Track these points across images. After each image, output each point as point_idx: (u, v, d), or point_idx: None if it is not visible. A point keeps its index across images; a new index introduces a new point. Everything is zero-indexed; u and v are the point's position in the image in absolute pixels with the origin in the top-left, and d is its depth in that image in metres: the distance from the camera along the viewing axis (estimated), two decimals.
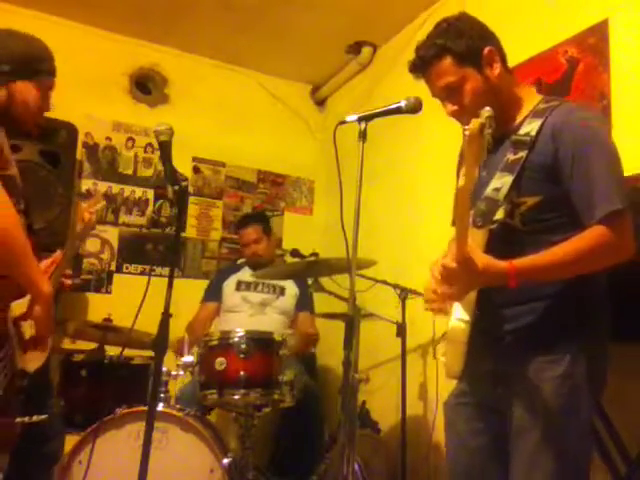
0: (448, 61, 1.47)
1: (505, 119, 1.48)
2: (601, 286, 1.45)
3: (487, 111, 1.18)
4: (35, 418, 1.64)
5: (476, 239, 1.37)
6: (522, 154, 1.41)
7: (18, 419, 1.62)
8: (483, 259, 1.29)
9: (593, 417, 1.75)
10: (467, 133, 1.18)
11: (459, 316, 1.45)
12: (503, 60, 1.53)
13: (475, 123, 1.17)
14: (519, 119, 1.49)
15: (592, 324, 1.42)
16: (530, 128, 1.43)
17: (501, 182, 1.42)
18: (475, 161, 1.19)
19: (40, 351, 1.78)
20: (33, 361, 1.76)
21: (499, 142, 1.47)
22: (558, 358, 1.37)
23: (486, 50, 1.48)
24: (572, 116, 1.41)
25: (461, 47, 1.46)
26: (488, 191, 1.44)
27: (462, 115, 1.48)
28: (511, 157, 1.43)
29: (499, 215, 1.42)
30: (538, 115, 1.44)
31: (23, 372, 1.70)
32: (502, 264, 1.30)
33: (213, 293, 3.31)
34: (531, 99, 1.52)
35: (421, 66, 1.52)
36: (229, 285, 3.28)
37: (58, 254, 1.94)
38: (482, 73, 1.48)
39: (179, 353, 2.51)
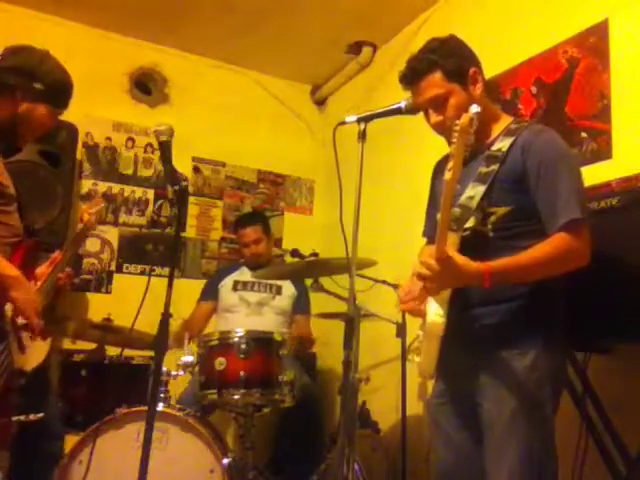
0: (438, 75, 1.59)
1: (480, 136, 1.58)
2: (560, 289, 1.55)
3: (474, 108, 1.31)
4: (32, 417, 1.64)
5: (451, 242, 1.48)
6: (494, 167, 1.54)
7: (14, 418, 1.62)
8: (460, 259, 1.40)
9: (591, 414, 1.77)
10: (458, 127, 1.28)
11: (435, 311, 1.52)
12: (483, 81, 1.66)
13: (465, 118, 1.28)
14: (492, 136, 1.62)
15: (554, 324, 1.53)
16: (502, 145, 1.57)
17: (474, 192, 1.55)
18: (461, 154, 1.29)
19: (34, 341, 1.76)
20: (31, 360, 1.76)
21: (473, 157, 1.60)
22: (524, 352, 1.48)
23: (472, 71, 1.62)
24: (540, 135, 1.55)
25: (450, 65, 1.59)
26: (463, 199, 1.56)
27: (443, 127, 1.60)
28: (484, 170, 1.56)
29: (471, 222, 1.54)
30: (510, 134, 1.58)
31: (21, 371, 1.70)
32: (478, 265, 1.41)
33: (209, 292, 3.31)
34: (503, 120, 1.66)
35: (411, 77, 1.64)
36: (225, 285, 3.27)
37: (57, 254, 1.94)
38: (466, 90, 1.61)
39: (178, 344, 2.52)
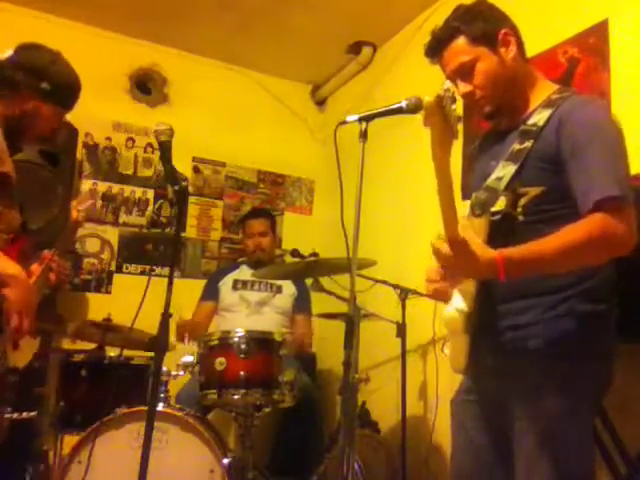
0: (462, 41, 1.46)
1: (516, 107, 1.48)
2: (609, 280, 1.40)
3: (446, 84, 1.16)
4: (25, 415, 1.64)
5: (476, 228, 1.34)
6: (528, 144, 1.39)
7: (7, 415, 1.62)
8: (476, 245, 1.22)
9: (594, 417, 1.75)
10: (424, 105, 1.14)
11: (456, 306, 1.41)
12: (520, 46, 1.51)
13: (432, 96, 1.13)
14: (531, 108, 1.47)
15: (597, 321, 1.37)
16: (539, 118, 1.41)
17: (504, 171, 1.41)
18: (441, 138, 1.15)
19: (26, 337, 1.76)
20: (23, 357, 1.76)
21: (509, 132, 1.47)
22: (559, 357, 1.33)
23: (502, 32, 1.47)
24: (580, 108, 1.38)
25: (476, 28, 1.46)
26: (490, 180, 1.42)
27: (473, 97, 1.48)
28: (517, 147, 1.41)
29: (500, 205, 1.38)
30: (549, 105, 1.41)
31: (14, 369, 1.70)
32: (493, 253, 1.23)
33: (210, 292, 3.31)
34: (545, 89, 1.49)
35: (435, 47, 1.52)
36: (225, 284, 3.27)
37: (46, 253, 1.94)
38: (496, 54, 1.47)
39: (180, 338, 2.51)
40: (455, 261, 1.22)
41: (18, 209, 1.87)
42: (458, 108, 1.19)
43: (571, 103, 1.40)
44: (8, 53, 1.81)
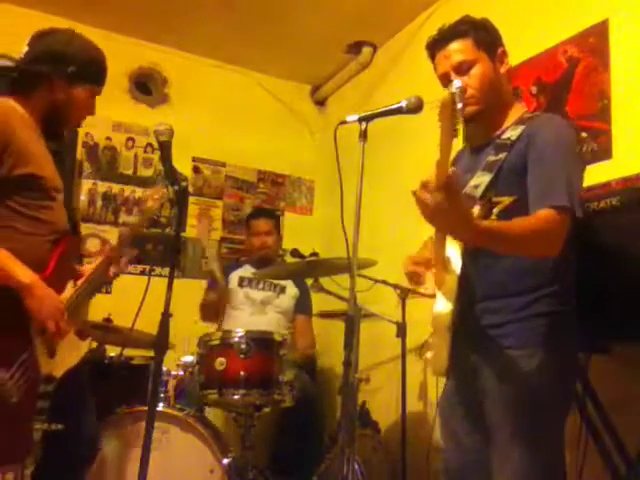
0: (469, 41, 1.57)
1: (493, 121, 1.60)
2: (572, 284, 1.51)
3: (456, 83, 1.22)
4: (53, 426, 1.61)
5: None
6: (501, 156, 1.51)
7: (36, 426, 1.60)
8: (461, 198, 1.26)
9: (591, 414, 1.76)
10: (439, 103, 1.20)
11: (442, 305, 1.49)
12: (508, 66, 1.65)
13: (447, 93, 1.19)
14: (505, 126, 1.59)
15: (565, 320, 1.47)
16: (512, 134, 1.53)
17: (480, 180, 1.51)
18: (449, 134, 1.22)
19: (69, 343, 1.73)
20: (62, 364, 1.72)
21: (484, 146, 1.59)
22: (531, 353, 1.42)
23: (500, 49, 1.62)
24: (547, 123, 1.53)
25: (482, 35, 1.59)
26: (468, 188, 1.51)
27: (464, 94, 1.54)
28: (492, 158, 1.53)
29: (475, 212, 1.47)
30: (521, 123, 1.55)
31: (49, 377, 1.67)
32: (476, 220, 1.32)
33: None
34: (519, 110, 1.63)
35: (441, 41, 1.60)
36: (231, 281, 3.26)
37: (106, 251, 1.92)
38: (493, 63, 1.59)
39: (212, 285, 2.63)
40: (440, 204, 1.21)
41: (63, 210, 1.82)
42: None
43: (540, 120, 1.55)
44: (24, 49, 1.78)
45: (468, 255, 1.50)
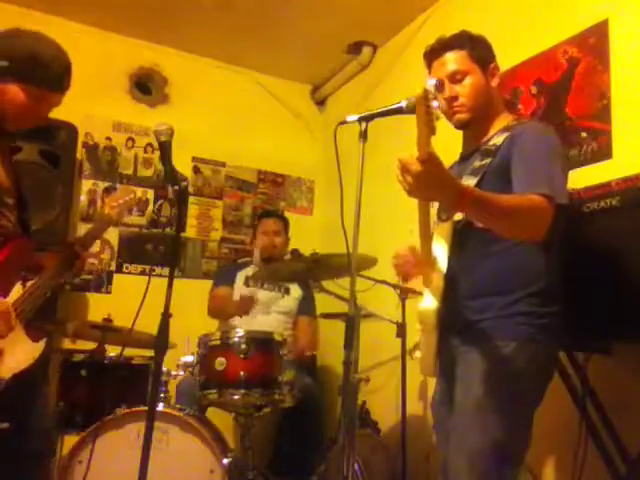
0: (464, 53, 1.67)
1: (481, 129, 1.68)
2: (556, 284, 1.54)
3: (432, 80, 1.29)
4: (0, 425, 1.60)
5: (442, 232, 1.54)
6: (487, 160, 1.58)
7: None
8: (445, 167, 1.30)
9: (591, 414, 1.76)
10: (413, 99, 1.23)
11: (429, 302, 1.54)
12: (499, 81, 1.74)
13: (420, 90, 1.19)
14: (491, 133, 1.66)
15: (548, 322, 1.50)
16: (497, 140, 1.61)
17: (466, 184, 1.51)
18: (426, 131, 1.24)
19: (21, 344, 1.70)
20: (11, 365, 1.68)
21: (471, 154, 1.67)
22: (506, 343, 1.47)
23: (492, 65, 1.72)
24: (530, 127, 1.61)
25: (478, 49, 1.69)
26: None
27: (454, 102, 1.66)
28: (478, 163, 1.60)
29: (460, 215, 1.54)
30: (506, 130, 1.62)
31: None
32: (460, 182, 1.36)
33: (226, 278, 3.27)
34: (506, 118, 1.70)
35: (439, 49, 1.69)
36: (238, 280, 3.25)
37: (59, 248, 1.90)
38: (485, 77, 1.69)
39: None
40: (425, 175, 1.28)
41: (14, 213, 1.79)
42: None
43: (523, 126, 1.62)
44: None
45: (454, 254, 1.56)
